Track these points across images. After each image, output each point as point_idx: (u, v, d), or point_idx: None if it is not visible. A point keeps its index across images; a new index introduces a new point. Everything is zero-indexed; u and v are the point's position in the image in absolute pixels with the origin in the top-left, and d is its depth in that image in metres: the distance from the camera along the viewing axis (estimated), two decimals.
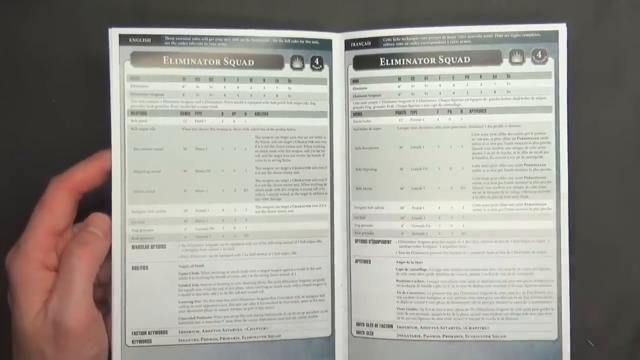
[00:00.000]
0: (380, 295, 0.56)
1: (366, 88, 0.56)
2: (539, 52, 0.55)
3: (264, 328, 0.55)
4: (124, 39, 0.54)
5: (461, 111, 0.56)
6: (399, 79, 0.56)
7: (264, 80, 0.56)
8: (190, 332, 0.54)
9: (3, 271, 0.51)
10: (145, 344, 0.54)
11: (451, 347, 0.55)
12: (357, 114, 0.56)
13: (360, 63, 0.56)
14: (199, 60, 0.55)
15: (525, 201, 0.55)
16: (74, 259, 0.50)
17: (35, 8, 0.59)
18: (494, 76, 0.56)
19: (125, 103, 0.54)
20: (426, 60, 0.56)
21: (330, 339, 0.56)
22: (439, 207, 0.55)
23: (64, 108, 0.58)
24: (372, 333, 0.56)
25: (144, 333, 0.54)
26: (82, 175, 0.52)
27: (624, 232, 0.58)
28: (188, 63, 0.55)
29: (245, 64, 0.55)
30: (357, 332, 0.56)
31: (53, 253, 0.51)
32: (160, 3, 0.59)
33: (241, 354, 0.55)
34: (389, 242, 0.56)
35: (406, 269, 0.55)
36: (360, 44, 0.56)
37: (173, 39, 0.55)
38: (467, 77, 0.56)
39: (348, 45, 0.56)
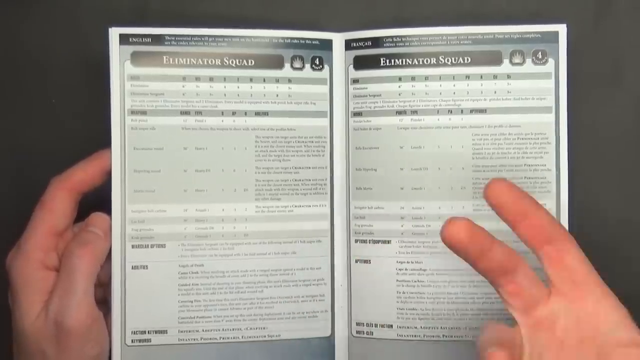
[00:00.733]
0: (380, 296, 0.56)
1: (366, 88, 0.56)
2: (539, 53, 0.55)
3: (264, 328, 0.55)
4: (124, 39, 0.54)
5: (461, 111, 0.56)
6: (400, 79, 0.56)
7: (264, 80, 0.56)
8: (190, 331, 0.54)
9: (3, 271, 0.51)
10: (145, 344, 0.54)
11: (451, 347, 0.55)
12: (357, 114, 0.56)
13: (361, 63, 0.56)
14: (199, 60, 0.55)
15: None
16: (74, 259, 0.50)
17: (35, 8, 0.59)
18: (495, 76, 0.56)
19: (126, 103, 0.54)
20: (427, 61, 0.56)
21: (330, 339, 0.56)
22: (439, 207, 0.55)
23: (64, 108, 0.58)
24: (372, 333, 0.56)
25: (143, 332, 0.54)
26: (82, 175, 0.52)
27: (624, 232, 0.58)
28: (188, 63, 0.55)
29: (246, 64, 0.55)
30: (357, 332, 0.56)
31: (53, 253, 0.51)
32: (161, 3, 0.59)
33: (241, 353, 0.55)
34: (389, 242, 0.56)
35: (406, 269, 0.55)
36: (361, 44, 0.56)
37: (173, 38, 0.55)
38: (467, 77, 0.56)
39: (348, 45, 0.56)
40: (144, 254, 0.54)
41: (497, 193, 0.44)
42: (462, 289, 0.55)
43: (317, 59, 0.56)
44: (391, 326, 0.55)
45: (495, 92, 0.55)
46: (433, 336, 0.55)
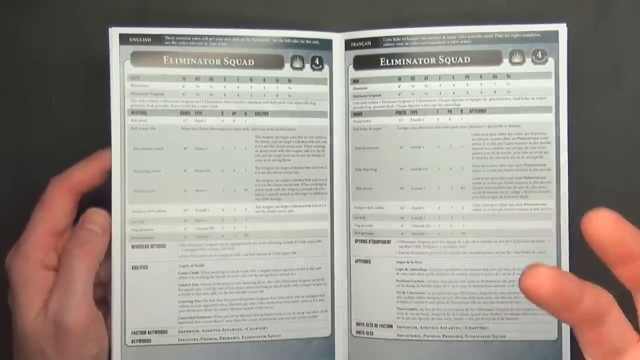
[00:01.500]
0: (380, 295, 0.56)
1: (366, 88, 0.56)
2: (539, 52, 0.55)
3: (264, 328, 0.55)
4: (124, 39, 0.54)
5: (461, 111, 0.56)
6: (399, 79, 0.56)
7: (264, 80, 0.56)
8: (190, 331, 0.54)
9: (3, 271, 0.51)
10: (145, 344, 0.54)
11: (451, 347, 0.55)
12: (357, 114, 0.56)
13: (361, 63, 0.56)
14: (199, 59, 0.55)
15: (525, 201, 0.55)
16: (72, 259, 0.50)
17: (35, 8, 0.58)
18: (494, 76, 0.56)
19: (126, 102, 0.54)
20: (426, 60, 0.56)
21: (330, 338, 0.56)
22: (439, 207, 0.55)
23: (64, 108, 0.58)
24: (372, 333, 0.56)
25: (143, 332, 0.54)
26: (82, 175, 0.52)
27: None
28: (188, 63, 0.55)
29: (246, 64, 0.55)
30: (357, 332, 0.56)
31: (53, 253, 0.51)
32: (161, 3, 0.59)
33: (241, 353, 0.55)
34: (388, 242, 0.56)
35: (406, 269, 0.55)
36: (361, 44, 0.56)
37: (173, 38, 0.55)
38: (467, 77, 0.56)
39: (348, 45, 0.56)
40: (144, 254, 0.54)
41: (598, 226, 0.35)
42: (462, 289, 0.55)
43: (317, 59, 0.56)
44: (391, 326, 0.55)
45: (495, 91, 0.55)
46: (433, 336, 0.55)
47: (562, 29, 0.55)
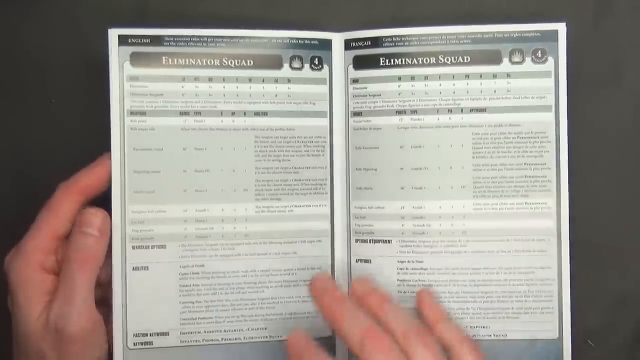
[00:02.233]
0: None
1: (366, 88, 0.56)
2: (539, 52, 0.55)
3: (265, 329, 0.55)
4: (123, 40, 0.54)
5: (462, 111, 0.56)
6: (400, 78, 0.56)
7: (263, 81, 0.56)
8: (192, 333, 0.54)
9: (2, 272, 0.51)
10: (147, 347, 0.54)
11: None
12: (357, 114, 0.56)
13: (361, 63, 0.56)
14: (199, 60, 0.55)
15: (525, 200, 0.55)
16: (72, 265, 0.50)
17: (35, 8, 0.58)
18: (494, 76, 0.56)
19: (125, 103, 0.54)
20: (426, 60, 0.56)
21: (332, 339, 0.56)
22: (440, 207, 0.55)
23: (64, 108, 0.58)
24: None
25: (145, 335, 0.54)
26: (88, 180, 0.52)
27: (624, 232, 0.58)
28: (187, 63, 0.55)
29: (245, 64, 0.55)
30: None
31: (53, 256, 0.51)
32: (161, 3, 0.58)
33: (243, 355, 0.55)
34: (389, 242, 0.56)
35: (407, 269, 0.55)
36: (361, 44, 0.56)
37: (172, 39, 0.55)
38: (467, 76, 0.56)
39: (348, 45, 0.56)
40: (145, 255, 0.54)
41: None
42: (463, 288, 0.55)
43: (317, 59, 0.56)
44: None
45: (495, 91, 0.56)
46: None
47: (561, 28, 0.55)
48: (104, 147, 0.54)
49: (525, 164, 0.55)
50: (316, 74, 0.56)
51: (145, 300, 0.54)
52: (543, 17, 0.57)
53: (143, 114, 0.54)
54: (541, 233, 0.55)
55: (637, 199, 0.58)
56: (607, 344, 0.58)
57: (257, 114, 0.55)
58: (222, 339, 0.55)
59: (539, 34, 0.55)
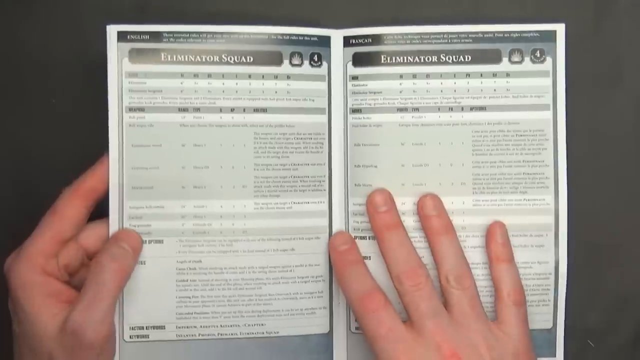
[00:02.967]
0: None
1: (366, 85, 0.56)
2: (538, 52, 0.56)
3: (262, 324, 0.55)
4: (122, 36, 0.54)
5: (462, 109, 0.56)
6: (401, 76, 0.56)
7: (262, 77, 0.56)
8: (188, 327, 0.54)
9: (2, 274, 0.51)
10: (143, 339, 0.54)
11: None
12: (356, 110, 0.56)
13: (360, 60, 0.56)
14: (197, 56, 0.55)
15: (524, 197, 0.55)
16: (105, 272, 0.50)
17: (35, 8, 0.58)
18: (494, 74, 0.56)
19: (124, 100, 0.54)
20: (428, 58, 0.56)
21: (329, 335, 0.56)
22: None
23: (64, 108, 0.58)
24: None
25: (141, 328, 0.54)
26: (91, 182, 0.53)
27: (623, 232, 0.58)
28: (186, 60, 0.55)
29: (244, 61, 0.55)
30: (356, 328, 0.56)
31: (54, 260, 0.51)
32: (161, 0, 0.58)
33: (239, 350, 0.55)
34: None
35: None
36: (360, 40, 0.56)
37: (171, 35, 0.55)
38: (468, 75, 0.56)
39: (347, 42, 0.56)
40: (142, 250, 0.54)
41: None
42: None
43: (316, 56, 0.56)
44: None
45: (494, 90, 0.56)
46: None
47: (560, 28, 0.56)
48: (105, 145, 0.54)
49: (523, 161, 0.55)
50: (315, 71, 0.56)
51: (141, 294, 0.54)
52: (543, 16, 0.57)
53: (141, 110, 0.54)
54: (539, 228, 0.55)
55: (635, 198, 0.58)
56: (607, 344, 0.58)
57: (256, 110, 0.55)
58: (219, 334, 0.55)
59: (537, 34, 0.56)
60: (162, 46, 0.55)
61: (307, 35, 0.56)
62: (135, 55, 0.54)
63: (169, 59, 0.55)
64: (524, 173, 0.55)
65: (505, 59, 0.56)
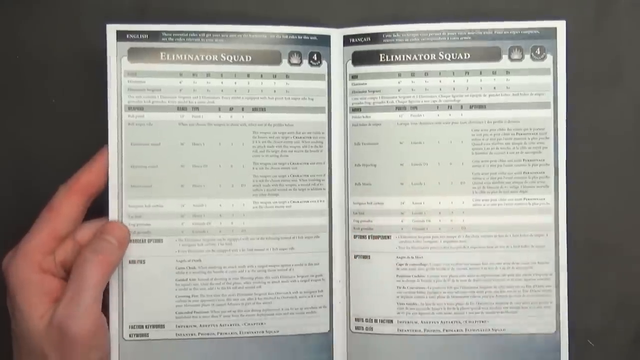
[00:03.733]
0: (380, 291, 0.56)
1: (365, 84, 0.56)
2: (538, 49, 0.55)
3: (262, 323, 0.55)
4: (121, 35, 0.54)
5: (461, 107, 0.56)
6: (399, 74, 0.56)
7: (261, 76, 0.55)
8: (187, 326, 0.54)
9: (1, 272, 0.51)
10: (142, 338, 0.54)
11: (451, 342, 0.55)
12: (356, 109, 0.56)
13: (359, 59, 0.56)
14: (196, 56, 0.55)
15: (524, 196, 0.55)
16: (87, 265, 0.50)
17: (35, 8, 0.58)
18: (494, 72, 0.56)
19: (123, 99, 0.54)
20: (426, 57, 0.56)
21: (329, 334, 0.56)
22: (439, 202, 0.55)
23: (64, 107, 0.58)
24: (371, 328, 0.55)
25: (141, 327, 0.54)
26: (87, 177, 0.52)
27: (623, 232, 0.58)
28: (185, 59, 0.55)
29: (243, 60, 0.55)
30: (356, 327, 0.56)
31: (51, 257, 0.51)
32: (160, 1, 0.58)
33: (238, 349, 0.55)
34: (388, 237, 0.55)
35: (406, 264, 0.55)
36: (360, 39, 0.56)
37: (170, 34, 0.55)
38: (467, 73, 0.56)
39: (347, 41, 0.56)
40: (141, 249, 0.54)
41: None
42: (462, 284, 0.55)
43: (315, 55, 0.56)
44: (391, 321, 0.55)
45: (494, 87, 0.55)
46: (433, 330, 0.55)
47: (560, 25, 0.55)
48: (104, 143, 0.54)
49: (523, 160, 0.55)
50: (315, 70, 0.56)
51: (141, 293, 0.54)
52: (543, 15, 0.57)
53: (140, 109, 0.54)
54: (539, 228, 0.55)
55: (635, 198, 0.58)
56: (607, 344, 0.58)
57: (255, 109, 0.55)
58: (218, 333, 0.54)
59: (537, 31, 0.55)
60: (161, 45, 0.55)
61: (307, 35, 0.56)
62: (135, 54, 0.54)
63: (168, 58, 0.55)
64: (524, 172, 0.55)
65: (505, 57, 0.56)
